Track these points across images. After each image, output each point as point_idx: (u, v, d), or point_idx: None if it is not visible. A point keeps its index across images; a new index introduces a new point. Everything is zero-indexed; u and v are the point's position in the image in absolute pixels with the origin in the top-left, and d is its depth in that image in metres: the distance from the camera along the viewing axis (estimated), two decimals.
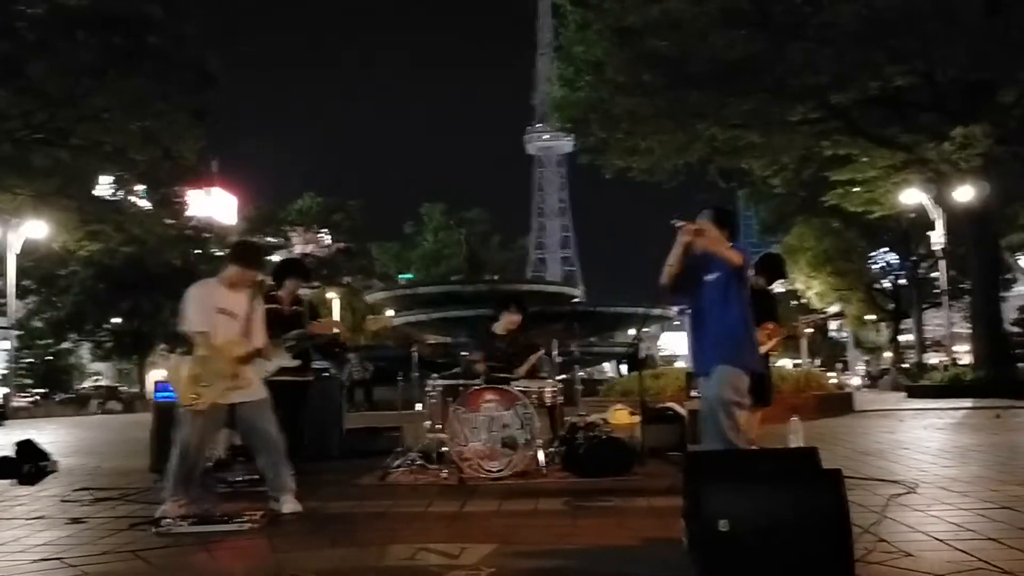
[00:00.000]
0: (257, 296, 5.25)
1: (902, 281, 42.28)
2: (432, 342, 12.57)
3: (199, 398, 4.83)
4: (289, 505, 4.93)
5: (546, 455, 6.31)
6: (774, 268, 6.71)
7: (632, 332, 16.12)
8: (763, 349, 6.40)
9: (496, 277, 27.20)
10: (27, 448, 7.44)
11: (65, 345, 42.22)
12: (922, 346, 40.84)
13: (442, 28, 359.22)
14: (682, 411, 7.57)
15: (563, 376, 7.41)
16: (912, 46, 17.45)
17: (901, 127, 20.55)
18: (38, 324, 41.50)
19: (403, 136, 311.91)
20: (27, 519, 4.97)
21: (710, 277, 4.79)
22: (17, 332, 32.55)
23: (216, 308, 5.02)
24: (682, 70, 18.77)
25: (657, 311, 19.69)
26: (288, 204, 53.39)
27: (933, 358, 38.92)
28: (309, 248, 51.98)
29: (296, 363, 6.72)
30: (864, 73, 18.17)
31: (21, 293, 38.46)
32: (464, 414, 6.15)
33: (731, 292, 4.74)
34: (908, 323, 44.11)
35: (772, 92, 19.05)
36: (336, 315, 35.83)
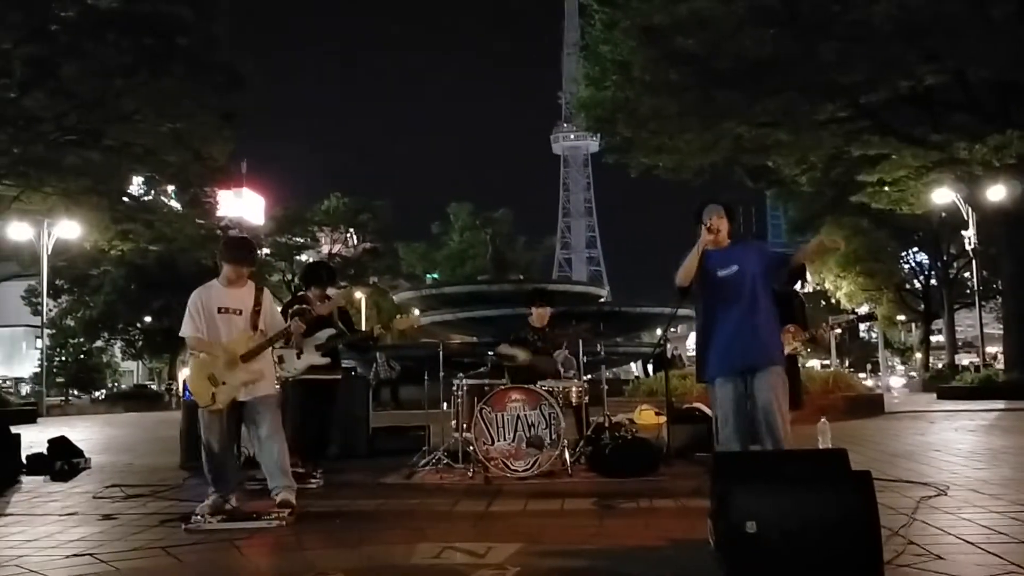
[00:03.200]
0: (265, 290, 5.27)
1: (933, 282, 41.73)
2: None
3: (214, 398, 4.90)
4: (283, 498, 4.92)
5: (572, 455, 6.31)
6: (794, 270, 6.70)
7: (658, 332, 16.02)
8: (785, 351, 6.38)
9: (522, 277, 27.16)
10: (60, 445, 7.56)
11: (97, 344, 42.70)
12: (953, 347, 40.30)
13: (470, 28, 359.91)
14: (709, 411, 7.52)
15: (589, 376, 7.40)
16: (944, 46, 17.23)
17: (932, 127, 20.31)
18: (70, 323, 42.03)
19: (431, 136, 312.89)
20: (60, 515, 5.05)
21: (726, 272, 4.64)
22: (50, 331, 33.01)
23: (217, 308, 5.06)
24: (709, 69, 18.66)
25: (684, 311, 19.60)
26: (315, 204, 53.71)
27: (965, 359, 38.42)
28: (336, 248, 52.29)
29: (325, 361, 6.79)
30: (895, 72, 17.97)
31: (54, 293, 39.07)
32: (490, 413, 6.16)
33: (757, 287, 4.61)
34: (939, 324, 43.56)
35: (801, 91, 18.90)
36: (363, 314, 36.01)
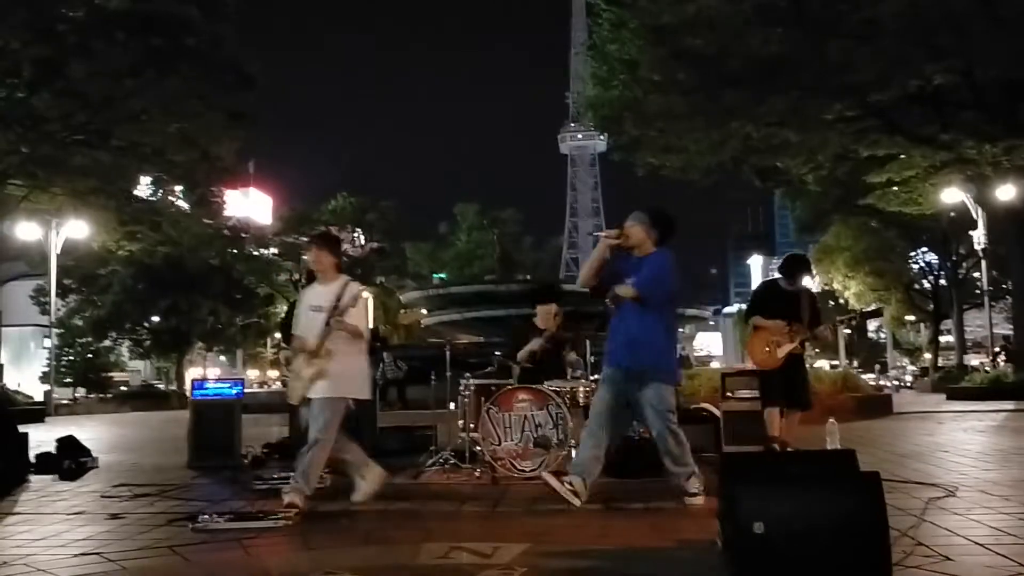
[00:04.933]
0: (351, 284, 5.23)
1: (942, 281, 41.59)
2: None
3: (295, 393, 5.12)
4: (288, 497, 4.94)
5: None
6: (795, 268, 6.71)
7: None
8: (785, 350, 6.36)
9: (529, 277, 27.14)
10: (68, 444, 7.58)
11: (105, 343, 42.82)
12: (963, 347, 40.16)
13: (477, 28, 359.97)
14: (716, 412, 7.51)
15: (596, 376, 7.38)
16: (952, 44, 17.17)
17: (941, 126, 20.24)
18: (78, 323, 42.17)
19: (437, 136, 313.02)
20: (68, 514, 5.06)
21: (631, 281, 4.84)
22: (58, 331, 33.14)
23: (309, 307, 5.23)
24: (717, 68, 18.62)
25: (692, 311, 19.53)
26: (322, 204, 53.81)
27: (974, 360, 38.25)
28: (343, 248, 52.41)
29: None
30: (903, 71, 17.91)
31: (62, 292, 39.15)
32: (497, 413, 6.16)
33: (652, 301, 4.83)
34: (948, 324, 43.42)
35: (808, 90, 18.84)
36: (371, 314, 35.99)
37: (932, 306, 43.31)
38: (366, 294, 5.26)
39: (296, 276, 47.06)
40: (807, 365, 7.62)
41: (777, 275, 6.86)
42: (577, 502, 4.75)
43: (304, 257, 49.39)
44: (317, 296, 5.22)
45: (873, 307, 30.21)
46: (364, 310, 5.34)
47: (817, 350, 57.74)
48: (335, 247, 5.55)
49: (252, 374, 54.78)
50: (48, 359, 30.68)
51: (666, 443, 4.86)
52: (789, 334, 6.39)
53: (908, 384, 44.54)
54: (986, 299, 26.84)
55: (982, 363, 29.53)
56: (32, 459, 7.19)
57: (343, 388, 5.10)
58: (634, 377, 4.88)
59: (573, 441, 6.20)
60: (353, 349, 5.15)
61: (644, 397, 4.85)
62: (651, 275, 4.83)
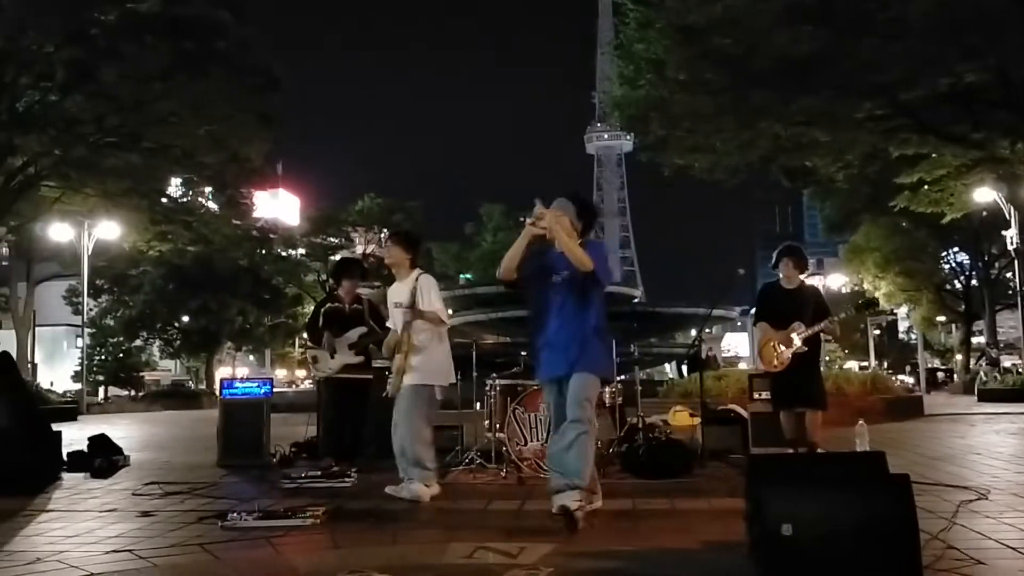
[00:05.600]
0: (421, 276, 5.50)
1: (974, 282, 41.04)
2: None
3: (394, 385, 5.33)
4: (404, 491, 5.21)
5: (605, 456, 6.29)
6: (778, 259, 6.55)
7: (693, 333, 15.94)
8: (790, 351, 6.26)
9: None
10: (100, 443, 7.68)
11: (136, 343, 43.36)
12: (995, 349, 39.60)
13: (503, 28, 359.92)
14: (744, 413, 7.47)
15: (623, 377, 7.37)
16: (984, 42, 16.93)
17: (972, 124, 19.97)
18: (110, 322, 42.71)
19: (464, 136, 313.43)
20: (99, 512, 5.13)
21: (558, 277, 4.43)
22: (90, 330, 33.57)
23: (393, 304, 5.50)
24: (745, 68, 18.50)
25: (719, 312, 19.42)
26: (349, 205, 54.10)
27: (1006, 361, 37.72)
28: (370, 248, 52.62)
29: (359, 360, 6.84)
30: (933, 70, 17.69)
31: (94, 292, 39.70)
32: (523, 414, 6.16)
33: (585, 295, 4.39)
34: (980, 325, 42.83)
35: (838, 89, 18.67)
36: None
37: (963, 307, 42.76)
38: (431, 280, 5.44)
39: (323, 276, 47.37)
40: (836, 367, 7.51)
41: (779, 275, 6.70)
42: (599, 503, 4.63)
43: (331, 257, 49.81)
44: (397, 293, 5.50)
45: (868, 298, 29.82)
46: (438, 297, 5.52)
47: (846, 350, 57.18)
48: (408, 243, 5.75)
49: (280, 374, 55.16)
50: (80, 358, 31.10)
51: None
52: (789, 336, 6.29)
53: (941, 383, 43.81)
54: (1019, 299, 26.44)
55: (1015, 364, 29.12)
56: (65, 457, 7.29)
57: (428, 376, 5.36)
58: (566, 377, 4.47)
59: (599, 442, 6.19)
60: (434, 338, 5.40)
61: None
62: (602, 262, 4.39)
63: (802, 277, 6.66)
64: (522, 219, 4.46)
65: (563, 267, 4.40)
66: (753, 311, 6.98)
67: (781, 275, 6.57)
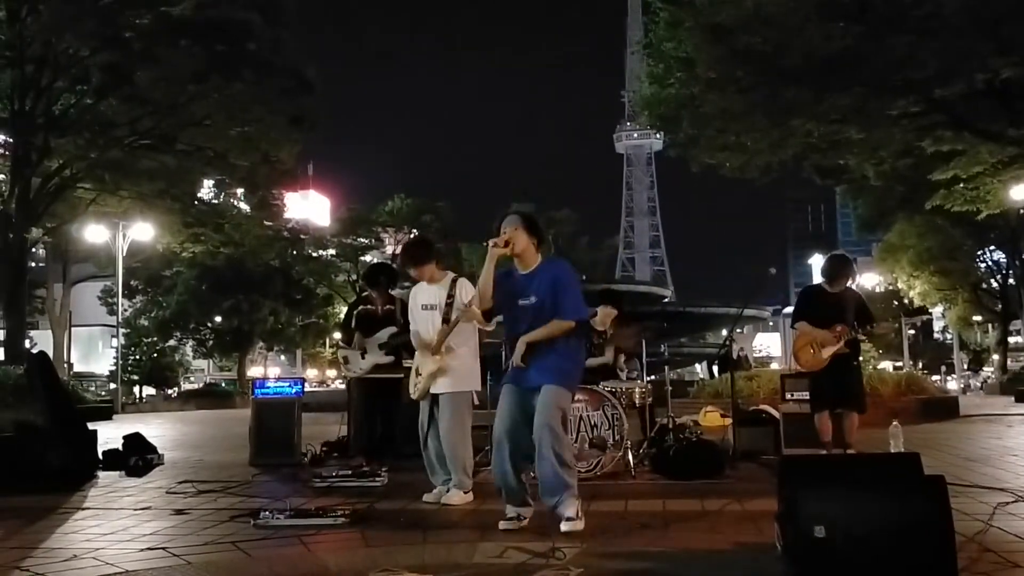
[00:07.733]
0: (459, 279, 5.47)
1: (1011, 281, 40.38)
2: None
3: (420, 389, 5.30)
4: (448, 497, 5.21)
5: (635, 457, 6.26)
6: (836, 271, 6.56)
7: (724, 333, 15.87)
8: (829, 351, 6.23)
9: (584, 277, 27.07)
10: (134, 442, 7.78)
11: (170, 343, 43.90)
12: None
13: (532, 28, 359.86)
14: (776, 414, 7.41)
15: (653, 377, 7.34)
16: (1020, 37, 16.64)
17: (1009, 121, 19.64)
18: (144, 323, 43.26)
19: (494, 136, 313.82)
20: (134, 510, 5.19)
21: (526, 302, 4.39)
22: (125, 331, 34.02)
23: (421, 305, 5.41)
24: (776, 66, 18.34)
25: (751, 311, 19.30)
26: (379, 205, 54.36)
27: None
28: (400, 249, 52.91)
29: (389, 360, 6.87)
30: (969, 65, 17.42)
31: (128, 293, 40.25)
32: None
33: (553, 318, 4.32)
34: (1017, 324, 42.17)
35: (871, 86, 18.45)
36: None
37: (1000, 306, 42.11)
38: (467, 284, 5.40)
39: (354, 277, 47.64)
40: (870, 367, 7.44)
41: (821, 279, 6.72)
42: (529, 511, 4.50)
43: (362, 258, 50.01)
44: (428, 295, 5.42)
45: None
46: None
47: (880, 351, 56.55)
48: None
49: (311, 373, 55.57)
50: (115, 358, 31.55)
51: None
52: (835, 336, 6.27)
53: (978, 385, 43.26)
54: None
55: None
56: (100, 455, 7.40)
57: (466, 382, 5.37)
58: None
59: (629, 442, 6.17)
60: (470, 343, 5.37)
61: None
62: (572, 296, 4.35)
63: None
64: (484, 244, 4.43)
65: (531, 291, 4.41)
66: (787, 311, 6.96)
67: (827, 283, 6.54)
